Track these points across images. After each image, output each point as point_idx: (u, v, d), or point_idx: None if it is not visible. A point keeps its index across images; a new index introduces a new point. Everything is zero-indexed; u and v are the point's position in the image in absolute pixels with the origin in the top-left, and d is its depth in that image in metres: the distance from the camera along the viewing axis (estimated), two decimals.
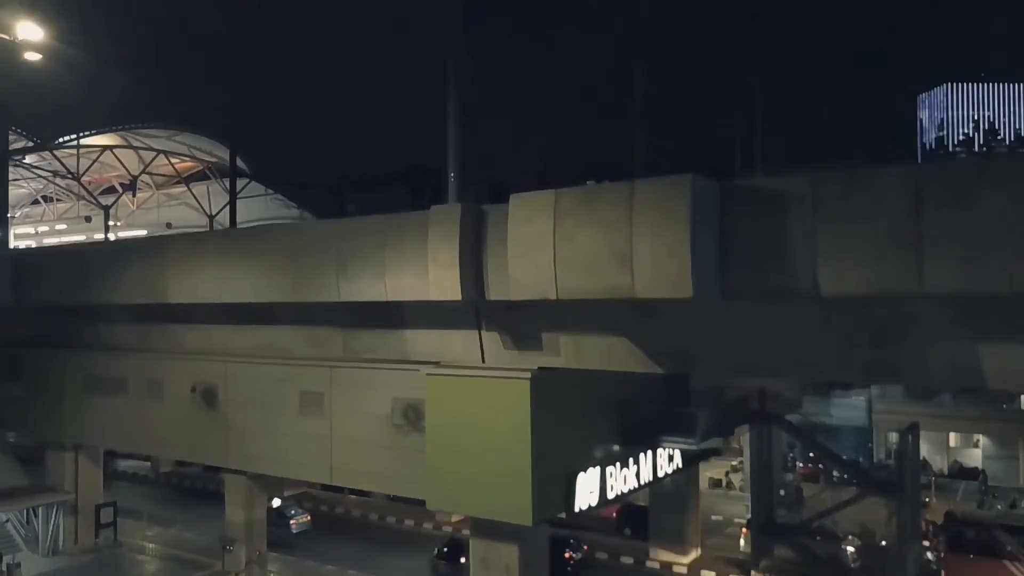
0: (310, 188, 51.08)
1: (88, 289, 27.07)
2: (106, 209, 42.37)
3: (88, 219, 47.56)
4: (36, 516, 30.03)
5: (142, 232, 52.19)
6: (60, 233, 50.55)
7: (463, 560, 25.33)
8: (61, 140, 40.82)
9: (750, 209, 14.21)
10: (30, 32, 22.48)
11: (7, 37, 21.61)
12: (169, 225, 50.20)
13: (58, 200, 56.92)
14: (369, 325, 21.67)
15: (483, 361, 19.71)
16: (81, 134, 41.40)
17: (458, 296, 17.56)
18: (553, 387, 18.66)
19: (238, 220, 44.67)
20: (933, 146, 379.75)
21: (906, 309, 13.73)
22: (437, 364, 20.26)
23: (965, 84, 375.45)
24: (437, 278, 17.85)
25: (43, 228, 50.03)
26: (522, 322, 18.45)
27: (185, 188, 52.29)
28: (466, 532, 22.38)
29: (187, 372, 26.12)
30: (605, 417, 21.10)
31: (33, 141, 40.43)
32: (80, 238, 51.50)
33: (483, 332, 19.48)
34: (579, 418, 19.95)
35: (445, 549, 29.19)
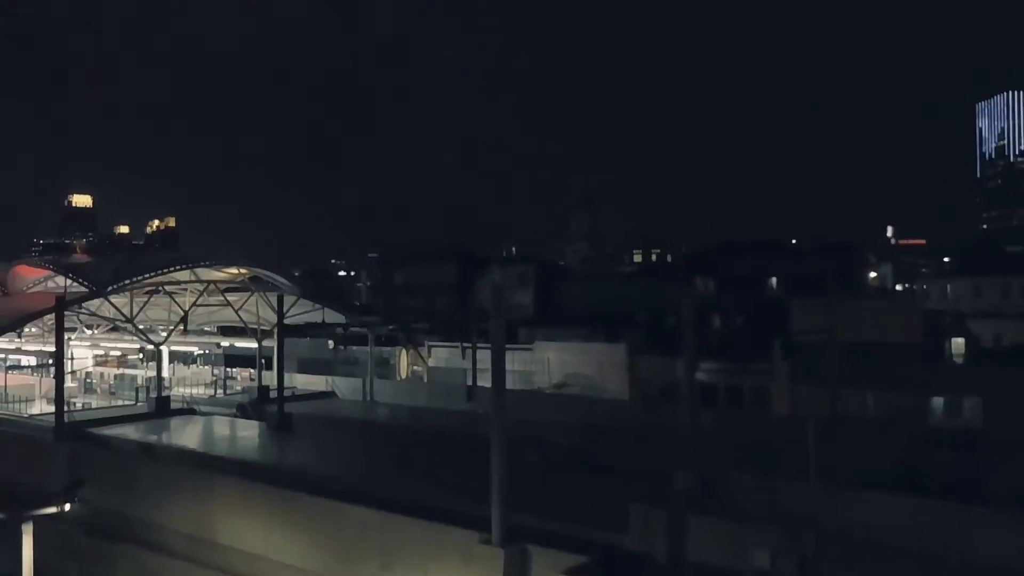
0: (354, 323, 51.46)
1: (136, 503, 27.78)
2: (158, 347, 43.27)
3: (141, 351, 48.79)
4: None
5: (193, 347, 53.23)
6: (112, 348, 51.74)
7: None
8: (117, 285, 41.65)
9: None
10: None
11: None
12: (218, 346, 51.06)
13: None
14: None
15: None
16: (136, 278, 42.29)
17: None
18: None
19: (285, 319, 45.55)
20: (993, 155, 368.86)
21: None
22: None
23: None
24: None
25: (99, 352, 51.45)
26: None
27: (236, 294, 53.05)
28: None
29: None
30: None
31: (89, 288, 41.31)
32: (135, 346, 52.34)
33: None
34: None
35: None
